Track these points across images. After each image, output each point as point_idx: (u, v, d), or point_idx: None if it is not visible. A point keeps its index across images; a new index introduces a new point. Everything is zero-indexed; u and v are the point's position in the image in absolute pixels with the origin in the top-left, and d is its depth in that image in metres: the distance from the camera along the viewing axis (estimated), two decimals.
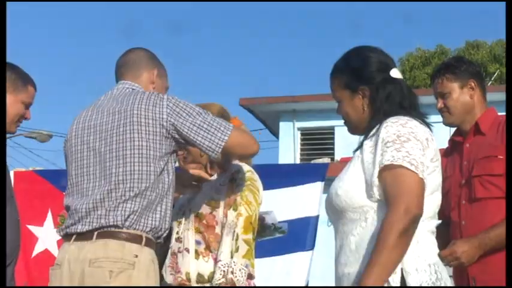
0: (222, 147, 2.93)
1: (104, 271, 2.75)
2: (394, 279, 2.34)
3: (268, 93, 24.14)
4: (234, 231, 3.24)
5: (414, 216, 2.32)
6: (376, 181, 2.42)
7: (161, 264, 3.37)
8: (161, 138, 2.92)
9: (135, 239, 2.84)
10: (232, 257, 3.20)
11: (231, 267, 3.18)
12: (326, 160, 5.60)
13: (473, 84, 3.47)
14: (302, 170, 5.90)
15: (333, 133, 13.89)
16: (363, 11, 42.01)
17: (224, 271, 3.18)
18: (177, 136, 2.95)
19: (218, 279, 3.18)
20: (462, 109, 3.46)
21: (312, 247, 5.13)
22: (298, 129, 15.07)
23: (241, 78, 43.91)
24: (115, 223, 2.82)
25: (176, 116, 2.92)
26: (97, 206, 2.88)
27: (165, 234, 3.00)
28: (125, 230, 2.83)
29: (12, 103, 3.49)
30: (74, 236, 2.89)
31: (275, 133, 16.26)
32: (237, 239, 3.23)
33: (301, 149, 15.13)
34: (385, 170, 2.40)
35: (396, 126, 2.46)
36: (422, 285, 2.35)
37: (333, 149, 14.44)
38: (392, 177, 2.38)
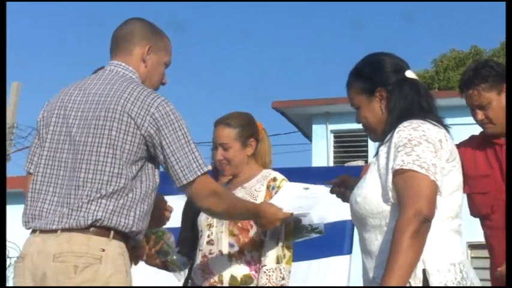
0: (190, 180, 2.72)
1: (68, 266, 2.59)
2: (416, 281, 2.34)
3: (301, 96, 24.13)
4: (278, 237, 3.32)
5: (424, 218, 2.31)
6: (391, 186, 2.43)
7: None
8: (139, 142, 2.73)
9: (103, 232, 2.66)
10: (278, 263, 3.29)
11: (281, 273, 3.27)
12: (360, 162, 5.45)
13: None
14: (336, 173, 5.72)
15: (366, 135, 13.43)
16: (398, 12, 41.72)
17: (269, 275, 3.26)
18: (151, 147, 2.75)
19: (264, 284, 3.26)
20: (504, 116, 3.35)
21: (349, 251, 5.04)
22: (332, 131, 14.98)
23: (274, 81, 43.93)
24: (78, 226, 2.64)
25: (158, 127, 2.71)
26: (61, 201, 2.71)
27: (141, 236, 2.82)
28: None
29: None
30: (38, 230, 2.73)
31: (308, 136, 16.20)
32: (282, 246, 3.32)
33: (335, 152, 15.03)
34: (397, 174, 2.41)
35: (408, 130, 2.46)
36: (448, 285, 2.35)
37: (366, 151, 14.31)
38: (402, 181, 2.39)
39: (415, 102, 2.58)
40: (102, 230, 2.66)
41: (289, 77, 44.08)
